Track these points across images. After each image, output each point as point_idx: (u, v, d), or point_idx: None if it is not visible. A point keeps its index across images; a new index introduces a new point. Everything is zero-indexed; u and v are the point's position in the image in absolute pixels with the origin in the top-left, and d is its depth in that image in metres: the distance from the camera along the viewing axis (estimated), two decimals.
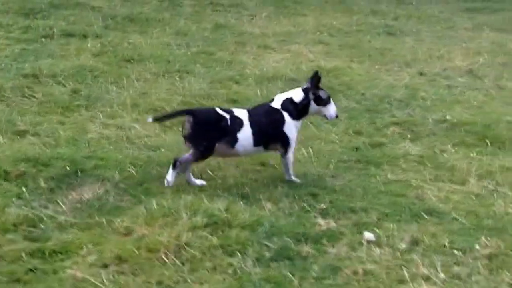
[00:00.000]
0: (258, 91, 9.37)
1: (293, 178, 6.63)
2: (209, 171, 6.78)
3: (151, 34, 12.41)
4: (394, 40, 13.33)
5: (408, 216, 6.09)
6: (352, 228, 5.83)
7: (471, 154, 7.60)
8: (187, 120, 6.31)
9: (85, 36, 11.52)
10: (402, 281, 5.09)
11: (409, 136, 8.17)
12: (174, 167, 6.31)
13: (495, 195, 6.65)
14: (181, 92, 9.15)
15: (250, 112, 6.51)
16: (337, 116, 6.85)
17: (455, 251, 5.55)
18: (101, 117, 8.16)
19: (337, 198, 6.35)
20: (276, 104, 6.60)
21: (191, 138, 6.30)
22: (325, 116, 6.79)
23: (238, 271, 5.13)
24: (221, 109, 6.47)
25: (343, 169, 7.15)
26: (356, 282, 5.05)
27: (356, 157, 7.37)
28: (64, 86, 9.13)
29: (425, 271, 5.20)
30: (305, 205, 6.16)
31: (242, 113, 6.47)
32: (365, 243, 5.58)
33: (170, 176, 6.30)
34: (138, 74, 9.91)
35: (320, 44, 12.75)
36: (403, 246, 5.57)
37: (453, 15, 15.83)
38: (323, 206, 6.14)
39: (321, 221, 5.83)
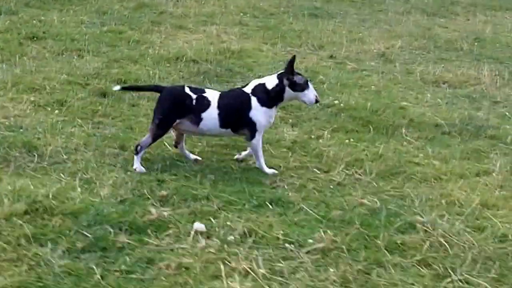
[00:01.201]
0: (152, 72, 9.03)
1: (264, 166, 6.50)
2: (63, 154, 6.45)
3: (70, 12, 12.06)
4: (317, 23, 12.97)
5: (252, 205, 5.70)
6: (188, 217, 5.46)
7: (347, 141, 7.24)
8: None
9: None
10: (216, 276, 4.72)
11: (290, 120, 7.82)
12: (136, 152, 6.31)
13: (357, 184, 6.27)
14: (71, 72, 8.74)
15: (221, 95, 6.44)
16: (317, 101, 6.53)
17: (287, 245, 5.14)
18: None
19: (184, 184, 5.96)
20: (248, 89, 6.44)
21: (154, 111, 6.39)
22: (303, 101, 6.53)
23: (42, 262, 4.70)
24: (190, 88, 6.43)
25: (210, 153, 6.75)
26: (164, 277, 4.67)
27: (225, 142, 6.96)
28: None
29: (246, 265, 4.81)
30: (146, 191, 5.76)
31: (212, 95, 6.42)
32: (193, 234, 5.13)
33: (136, 163, 6.29)
34: (36, 52, 9.55)
35: (239, 25, 12.45)
36: (232, 237, 5.12)
37: None
38: (164, 193, 5.74)
39: (153, 209, 5.40)
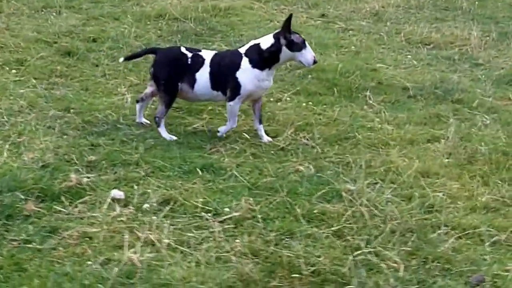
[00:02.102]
0: (127, 30, 8.89)
1: (224, 131, 6.37)
2: (4, 116, 6.43)
3: None
4: None
5: (182, 171, 5.62)
6: (111, 184, 5.39)
7: (304, 104, 7.08)
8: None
9: None
10: (119, 246, 4.63)
11: None
12: (157, 124, 6.30)
13: (300, 150, 6.15)
14: (42, 30, 8.69)
15: (215, 54, 6.30)
16: (315, 62, 6.26)
17: (204, 213, 5.05)
18: None
19: (117, 149, 5.89)
20: (243, 49, 6.23)
21: (154, 77, 6.29)
22: (300, 62, 6.25)
23: None
24: (186, 48, 6.33)
25: (172, 118, 6.65)
26: (63, 247, 4.59)
27: (178, 104, 6.86)
28: None
29: (152, 235, 4.71)
30: (74, 157, 5.68)
31: (206, 54, 6.27)
32: (109, 201, 5.05)
33: (162, 133, 6.30)
34: (16, 8, 9.44)
35: None
36: (148, 206, 5.05)
37: None
38: (92, 158, 5.67)
39: (72, 175, 5.33)
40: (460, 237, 5.05)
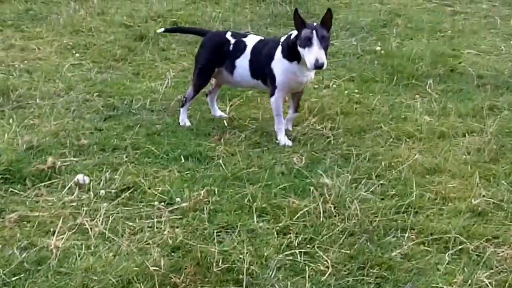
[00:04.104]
0: (220, 13, 8.83)
1: (280, 132, 5.93)
2: (37, 99, 6.56)
3: None
4: None
5: (166, 159, 5.51)
6: (90, 168, 5.35)
7: (346, 92, 6.70)
8: None
9: None
10: (53, 232, 4.58)
11: None
12: (182, 105, 6.13)
13: (312, 140, 5.85)
14: (136, 14, 8.81)
15: (259, 41, 5.94)
16: (318, 67, 5.52)
17: (157, 203, 4.92)
18: None
19: (114, 134, 5.85)
20: (284, 36, 5.81)
21: (195, 59, 6.18)
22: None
23: None
24: (233, 33, 6.10)
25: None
26: None
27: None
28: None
29: (88, 223, 4.65)
30: (68, 140, 5.73)
31: (250, 41, 5.95)
32: (70, 185, 5.06)
33: (181, 115, 6.15)
34: None
35: None
36: (103, 192, 5.00)
37: None
38: (84, 142, 5.70)
39: (50, 158, 5.36)
40: (423, 243, 4.52)
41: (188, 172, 5.32)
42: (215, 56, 5.96)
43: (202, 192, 4.97)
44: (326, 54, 5.48)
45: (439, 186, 5.13)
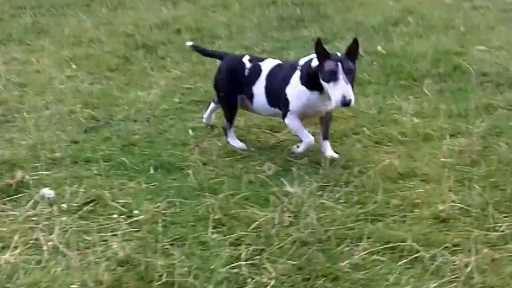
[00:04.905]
0: (226, 18, 8.72)
1: (299, 151, 5.59)
2: (25, 113, 6.54)
3: None
4: None
5: (135, 170, 5.45)
6: (59, 182, 5.30)
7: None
8: None
9: None
10: (7, 247, 4.55)
11: None
12: (226, 134, 5.79)
13: (291, 146, 5.71)
14: (141, 23, 8.79)
15: (276, 66, 5.51)
16: (345, 104, 5.05)
17: (116, 215, 4.87)
18: None
19: (88, 146, 5.86)
20: (303, 60, 5.36)
21: (215, 87, 5.84)
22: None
23: None
24: (250, 57, 5.70)
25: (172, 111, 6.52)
26: None
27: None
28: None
29: (43, 238, 4.61)
30: (43, 153, 5.71)
31: (266, 65, 5.54)
32: (34, 200, 5.04)
33: (231, 141, 5.79)
34: (131, 2, 9.63)
35: None
36: (65, 206, 4.97)
37: None
38: (57, 154, 5.67)
39: (19, 172, 5.35)
40: (377, 252, 4.36)
41: (155, 183, 5.19)
42: (233, 82, 5.59)
43: (161, 204, 4.81)
44: (353, 88, 5.05)
45: (408, 192, 4.89)
